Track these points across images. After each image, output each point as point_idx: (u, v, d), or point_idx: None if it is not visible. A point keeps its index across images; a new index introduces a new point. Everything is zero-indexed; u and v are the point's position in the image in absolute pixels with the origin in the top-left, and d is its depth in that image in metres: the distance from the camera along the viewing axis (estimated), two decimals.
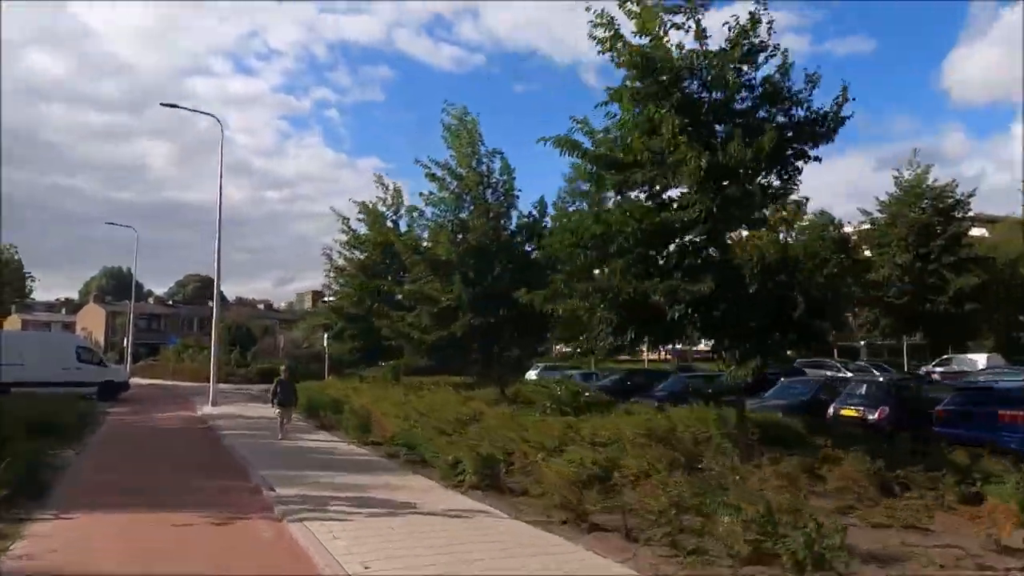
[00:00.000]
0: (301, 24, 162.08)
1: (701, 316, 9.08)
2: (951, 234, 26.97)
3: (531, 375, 42.43)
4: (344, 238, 22.94)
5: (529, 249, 16.58)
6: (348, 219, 23.25)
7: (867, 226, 28.43)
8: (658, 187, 9.75)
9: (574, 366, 32.89)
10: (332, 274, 22.77)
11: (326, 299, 24.83)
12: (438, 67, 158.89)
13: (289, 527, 7.40)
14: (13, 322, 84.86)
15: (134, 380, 42.15)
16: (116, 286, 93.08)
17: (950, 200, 27.51)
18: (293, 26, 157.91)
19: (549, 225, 17.02)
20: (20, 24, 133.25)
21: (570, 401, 13.35)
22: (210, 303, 78.84)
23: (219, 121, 25.08)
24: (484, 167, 16.83)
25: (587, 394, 14.01)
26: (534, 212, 17.07)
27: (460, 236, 16.31)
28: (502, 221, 16.56)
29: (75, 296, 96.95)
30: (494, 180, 16.79)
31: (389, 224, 22.96)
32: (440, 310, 16.21)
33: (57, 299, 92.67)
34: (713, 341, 10.11)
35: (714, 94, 9.48)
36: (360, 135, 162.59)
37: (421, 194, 16.85)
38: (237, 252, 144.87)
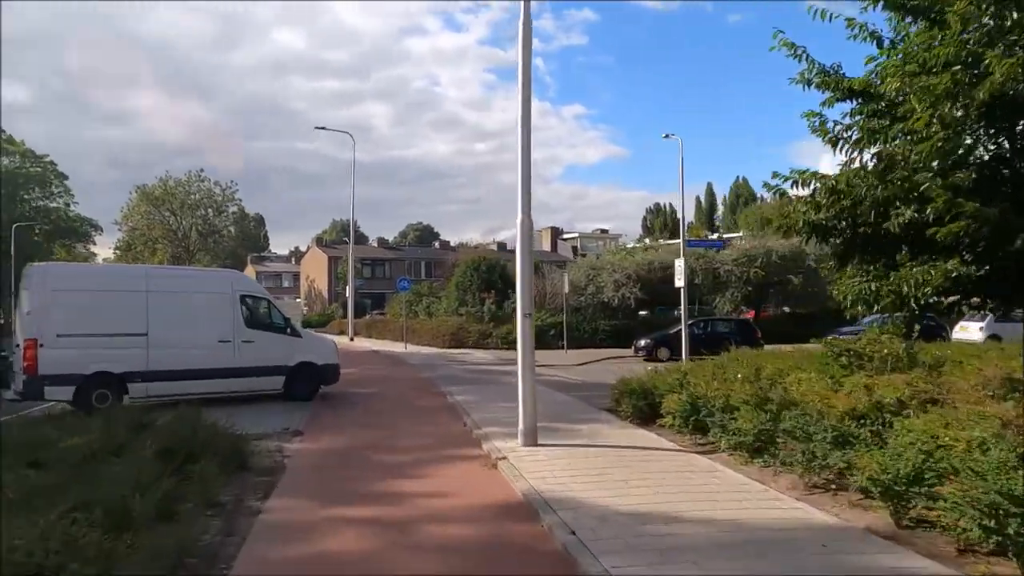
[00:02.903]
0: None
1: None
2: None
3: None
4: None
5: None
6: None
7: None
8: None
9: None
10: (812, 81, 7.18)
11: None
12: (643, 4, 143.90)
13: None
14: (248, 273, 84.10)
15: (355, 345, 31.62)
16: (345, 239, 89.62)
17: None
18: None
19: None
20: (266, 7, 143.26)
21: None
22: (433, 245, 69.79)
23: None
24: None
25: None
26: None
27: None
28: None
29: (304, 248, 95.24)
30: None
31: None
32: None
33: (290, 250, 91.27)
34: None
35: None
36: (563, 82, 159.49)
37: None
38: (446, 203, 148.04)
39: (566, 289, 24.29)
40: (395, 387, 15.81)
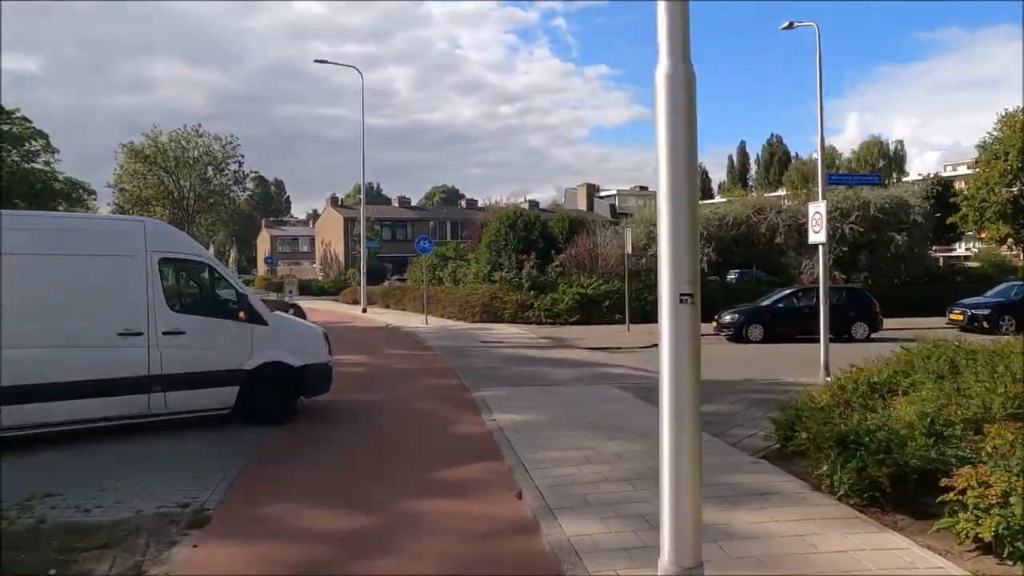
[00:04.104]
0: None
1: None
2: None
3: None
4: None
5: None
6: None
7: None
8: None
9: None
10: None
11: None
12: None
13: None
14: (263, 238, 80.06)
15: (368, 318, 26.67)
16: (368, 202, 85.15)
17: None
18: None
19: None
20: None
21: None
22: (459, 206, 63.43)
23: None
24: None
25: None
26: None
27: None
28: None
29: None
30: None
31: None
32: None
33: (307, 213, 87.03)
34: None
35: None
36: (586, 43, 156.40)
37: None
38: (471, 167, 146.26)
39: (628, 249, 19.16)
40: (406, 393, 11.03)
